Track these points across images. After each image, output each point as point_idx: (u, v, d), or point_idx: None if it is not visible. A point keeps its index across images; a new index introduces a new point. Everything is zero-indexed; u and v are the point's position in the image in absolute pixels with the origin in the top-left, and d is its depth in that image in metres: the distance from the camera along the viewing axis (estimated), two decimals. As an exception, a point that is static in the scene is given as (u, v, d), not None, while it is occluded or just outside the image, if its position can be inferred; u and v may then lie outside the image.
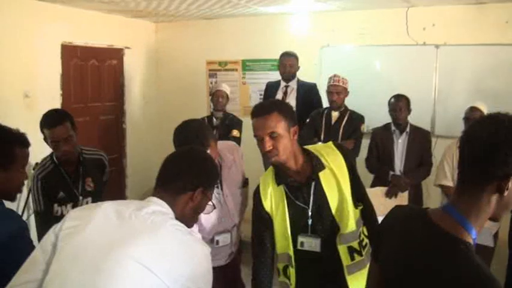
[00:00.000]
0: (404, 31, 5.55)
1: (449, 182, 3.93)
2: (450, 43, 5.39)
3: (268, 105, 2.27)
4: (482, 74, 5.27)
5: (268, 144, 2.18)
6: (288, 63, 5.09)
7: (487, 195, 1.31)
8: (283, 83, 5.20)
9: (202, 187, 1.82)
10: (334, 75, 4.61)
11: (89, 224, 1.62)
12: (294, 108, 5.06)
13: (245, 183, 2.91)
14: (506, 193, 1.29)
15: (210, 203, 1.94)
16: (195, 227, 2.62)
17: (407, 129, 4.46)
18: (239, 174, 2.88)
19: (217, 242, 2.80)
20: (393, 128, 4.49)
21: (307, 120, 4.77)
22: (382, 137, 4.52)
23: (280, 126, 2.17)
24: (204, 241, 2.04)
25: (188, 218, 1.83)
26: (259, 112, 2.21)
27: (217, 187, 2.75)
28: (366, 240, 2.43)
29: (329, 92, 4.61)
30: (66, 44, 5.61)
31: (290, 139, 2.21)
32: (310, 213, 2.33)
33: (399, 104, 4.41)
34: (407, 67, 5.65)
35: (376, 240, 1.64)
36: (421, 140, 4.45)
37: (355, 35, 5.86)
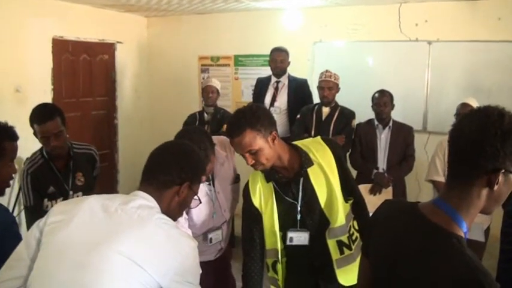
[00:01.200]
0: (397, 27, 5.56)
1: (441, 178, 3.94)
2: (443, 39, 5.40)
3: (238, 123, 2.16)
4: (475, 70, 5.28)
5: (250, 160, 2.20)
6: (278, 58, 5.07)
7: (477, 190, 1.31)
8: (274, 79, 5.18)
9: (189, 181, 1.80)
10: (326, 71, 4.60)
11: (74, 218, 1.61)
12: (286, 104, 5.06)
13: (237, 179, 2.90)
14: (496, 187, 1.29)
15: (195, 197, 1.92)
16: (185, 223, 2.61)
17: (390, 124, 4.48)
18: (231, 170, 2.87)
19: (211, 240, 2.78)
20: (376, 122, 4.51)
21: (298, 116, 4.76)
22: (365, 132, 4.54)
23: (256, 142, 2.15)
24: (195, 237, 2.02)
25: (174, 212, 1.82)
26: (232, 133, 2.18)
27: (209, 184, 2.74)
28: (356, 234, 2.45)
29: (320, 88, 4.60)
30: (57, 38, 5.58)
31: (270, 146, 2.19)
32: (299, 208, 2.33)
33: (383, 99, 4.42)
34: (400, 63, 5.65)
35: (366, 235, 1.64)
36: (404, 135, 4.47)
37: (347, 31, 5.85)
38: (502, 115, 1.27)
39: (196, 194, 1.90)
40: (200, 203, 2.25)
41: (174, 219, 1.80)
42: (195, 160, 1.88)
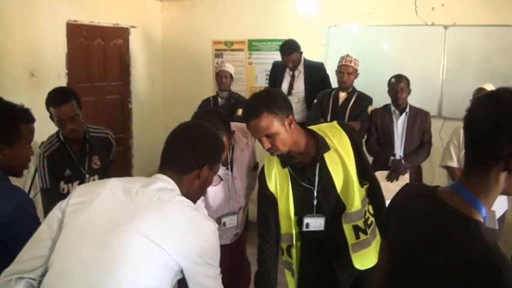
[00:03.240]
0: (413, 11, 5.48)
1: (455, 164, 3.91)
2: (459, 24, 5.32)
3: (255, 106, 2.16)
4: (491, 55, 5.21)
5: (266, 144, 2.19)
6: (290, 61, 4.94)
7: (495, 174, 1.29)
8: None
9: (208, 164, 1.81)
10: (347, 55, 4.54)
11: (96, 200, 1.63)
12: (303, 92, 5.01)
13: (255, 167, 2.90)
14: None
15: (216, 175, 1.93)
16: (202, 204, 2.63)
17: (407, 110, 4.42)
18: (251, 157, 2.87)
19: (224, 224, 2.80)
20: (393, 108, 4.46)
21: (315, 101, 4.73)
22: (381, 118, 4.48)
23: (273, 126, 2.14)
24: None
25: (195, 194, 1.83)
26: (249, 116, 2.17)
27: (227, 168, 2.75)
28: (372, 219, 2.44)
29: (339, 72, 4.54)
30: (71, 23, 5.59)
31: (287, 131, 2.18)
32: (315, 194, 2.33)
33: (400, 85, 4.36)
34: (416, 48, 5.59)
35: (385, 218, 1.64)
36: (421, 121, 4.41)
37: (363, 15, 5.79)
38: None
39: (216, 172, 1.91)
40: (222, 180, 2.25)
41: (195, 200, 1.82)
42: (213, 142, 1.87)
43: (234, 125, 2.74)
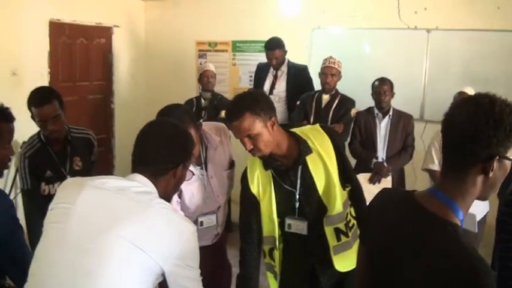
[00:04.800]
0: (396, 14, 5.52)
1: (436, 167, 3.95)
2: (441, 28, 5.37)
3: (238, 107, 2.18)
4: (473, 59, 5.27)
5: (248, 145, 2.19)
6: (273, 57, 4.95)
7: (472, 177, 1.32)
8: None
9: (182, 163, 1.82)
10: (330, 57, 4.57)
11: (74, 204, 1.61)
12: (284, 92, 5.02)
13: (231, 165, 2.90)
14: (491, 174, 1.30)
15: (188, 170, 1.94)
16: (177, 206, 2.62)
17: (390, 113, 4.45)
18: (225, 155, 2.86)
19: (202, 223, 2.79)
20: (376, 111, 4.49)
21: (298, 102, 4.74)
22: (365, 121, 4.50)
23: (255, 127, 2.15)
24: None
25: (171, 192, 1.86)
26: (231, 117, 2.18)
27: (202, 168, 2.74)
28: (353, 221, 2.46)
29: (323, 74, 4.57)
30: (54, 21, 5.52)
31: (269, 132, 2.19)
32: (297, 196, 2.34)
33: (383, 88, 4.38)
34: (398, 51, 5.63)
35: (363, 223, 1.65)
36: (404, 124, 4.45)
37: (346, 18, 5.81)
38: (492, 102, 1.28)
39: (188, 168, 1.92)
40: (194, 174, 2.24)
41: (171, 198, 1.86)
42: (184, 140, 1.87)
43: (206, 124, 2.77)
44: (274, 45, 4.95)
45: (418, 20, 5.47)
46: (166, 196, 1.77)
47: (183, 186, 2.43)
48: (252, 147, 2.20)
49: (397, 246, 1.39)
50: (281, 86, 5.07)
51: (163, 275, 1.59)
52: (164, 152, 1.78)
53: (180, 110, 2.56)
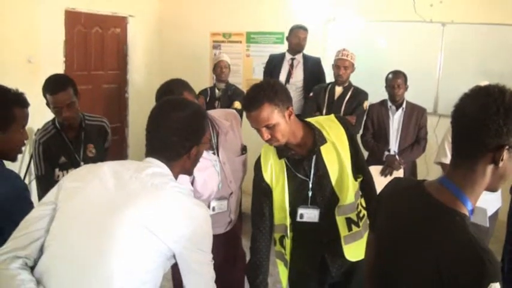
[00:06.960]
0: (412, 7, 5.48)
1: (449, 161, 3.93)
2: (457, 21, 5.33)
3: (257, 97, 2.15)
4: (488, 53, 5.23)
5: (266, 134, 2.19)
6: (302, 36, 5.05)
7: (482, 167, 1.32)
8: (288, 56, 5.16)
9: (196, 144, 1.82)
10: (343, 49, 4.56)
11: (89, 185, 1.64)
12: (301, 81, 5.03)
13: (243, 150, 2.89)
14: (501, 164, 1.30)
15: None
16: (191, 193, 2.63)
17: (404, 106, 4.44)
18: (237, 140, 2.84)
19: (214, 208, 2.77)
20: (389, 104, 4.48)
21: (310, 94, 4.74)
22: (378, 113, 4.51)
23: (273, 117, 2.14)
24: None
25: (189, 170, 1.88)
26: (250, 106, 2.17)
27: (214, 153, 2.75)
28: (364, 212, 2.46)
29: (336, 66, 4.57)
30: (69, 10, 5.57)
31: (287, 122, 2.19)
32: (310, 186, 2.35)
33: (397, 81, 4.38)
34: (413, 44, 5.59)
35: (373, 210, 1.66)
36: (417, 117, 4.44)
37: (361, 10, 5.79)
38: (503, 92, 1.28)
39: (207, 143, 1.94)
40: (213, 148, 2.31)
41: (191, 172, 1.89)
42: (196, 121, 1.85)
43: (215, 111, 2.77)
44: (304, 27, 5.08)
45: (434, 13, 5.42)
46: (185, 173, 1.82)
47: (196, 173, 2.43)
48: (269, 137, 2.20)
49: (405, 235, 1.40)
50: (298, 75, 5.09)
51: (174, 257, 1.61)
52: (174, 139, 1.78)
53: (176, 83, 2.59)
